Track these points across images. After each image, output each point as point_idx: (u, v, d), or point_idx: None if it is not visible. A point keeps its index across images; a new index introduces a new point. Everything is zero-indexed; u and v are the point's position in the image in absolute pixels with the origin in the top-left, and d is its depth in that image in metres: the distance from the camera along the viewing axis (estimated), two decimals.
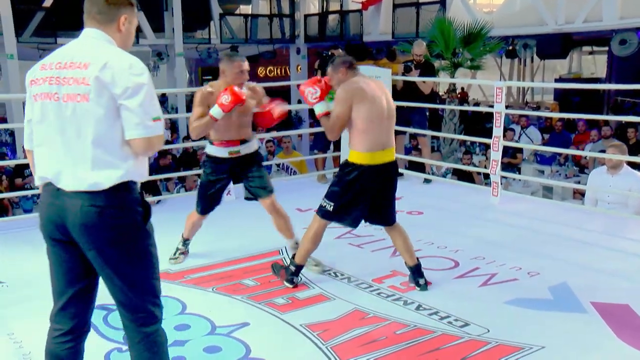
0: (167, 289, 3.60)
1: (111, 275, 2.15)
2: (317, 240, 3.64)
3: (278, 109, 3.92)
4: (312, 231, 3.61)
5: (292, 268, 3.65)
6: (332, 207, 3.53)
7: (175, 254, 4.16)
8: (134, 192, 2.14)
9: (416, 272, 3.63)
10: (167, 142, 11.25)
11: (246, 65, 3.86)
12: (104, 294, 3.53)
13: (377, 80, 3.68)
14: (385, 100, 3.51)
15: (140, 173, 2.17)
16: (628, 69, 15.15)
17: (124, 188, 2.09)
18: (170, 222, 5.04)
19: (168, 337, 2.97)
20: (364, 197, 3.51)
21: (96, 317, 3.20)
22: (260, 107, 3.93)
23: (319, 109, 3.57)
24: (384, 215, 3.64)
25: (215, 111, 3.69)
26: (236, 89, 3.67)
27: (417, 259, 3.65)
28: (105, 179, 2.05)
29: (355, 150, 3.46)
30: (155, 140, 2.09)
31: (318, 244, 3.66)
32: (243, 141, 3.95)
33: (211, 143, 3.98)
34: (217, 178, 3.99)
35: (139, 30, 14.99)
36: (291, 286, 3.62)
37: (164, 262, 4.00)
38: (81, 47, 2.13)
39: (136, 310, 2.19)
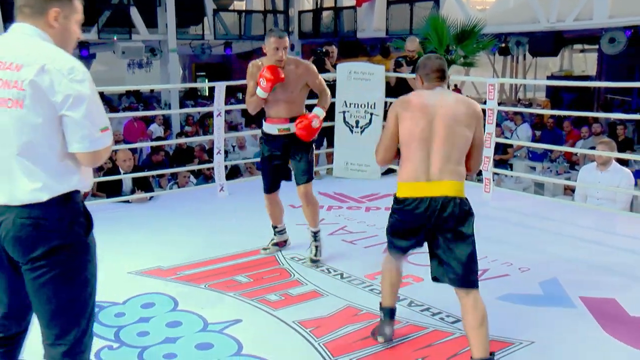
0: (160, 286, 3.63)
1: (39, 293, 1.95)
2: (387, 279, 3.04)
3: (315, 121, 3.82)
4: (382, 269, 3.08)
5: (381, 314, 3.06)
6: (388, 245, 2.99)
7: (268, 243, 4.23)
8: (76, 202, 1.98)
9: None
10: (160, 139, 11.22)
11: (284, 41, 3.73)
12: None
13: (458, 97, 2.95)
14: (446, 120, 2.76)
15: (84, 184, 2.02)
16: (617, 67, 15.27)
17: (65, 198, 1.93)
18: (162, 218, 5.09)
19: (160, 333, 3.02)
20: (410, 236, 2.84)
21: None
22: (297, 121, 3.83)
23: None
24: (446, 271, 2.76)
25: (259, 91, 3.75)
26: (274, 68, 3.67)
27: (491, 353, 2.68)
28: (40, 193, 1.88)
29: (398, 179, 2.88)
30: (103, 153, 1.94)
31: (392, 282, 3.03)
32: (293, 119, 3.86)
33: (264, 119, 3.99)
34: (271, 155, 3.99)
35: (132, 25, 14.97)
36: (382, 340, 2.98)
37: (156, 259, 4.03)
38: (11, 45, 1.90)
39: (60, 336, 1.99)
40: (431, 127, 2.78)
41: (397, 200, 2.85)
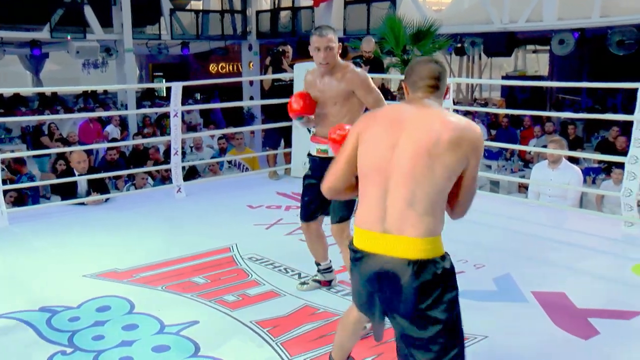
0: (115, 289, 3.58)
1: None
2: (337, 331, 2.57)
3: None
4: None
5: None
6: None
7: (308, 278, 3.61)
8: None
9: None
10: (115, 140, 11.07)
11: (326, 40, 3.08)
12: (46, 296, 3.47)
13: (447, 117, 2.06)
14: (417, 146, 1.97)
15: None
16: (567, 68, 15.78)
17: None
18: (118, 220, 5.01)
19: (116, 337, 2.97)
20: (367, 302, 2.14)
21: (39, 320, 3.16)
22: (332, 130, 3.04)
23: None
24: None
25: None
26: (296, 100, 3.17)
27: None
28: None
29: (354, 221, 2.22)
30: None
31: (341, 337, 2.55)
32: None
33: (310, 136, 3.42)
34: (307, 177, 3.35)
35: (86, 25, 14.68)
36: None
37: (112, 261, 3.98)
38: None
39: None
40: (393, 155, 2.01)
41: (350, 248, 2.15)
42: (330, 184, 2.21)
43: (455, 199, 2.09)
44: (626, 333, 2.99)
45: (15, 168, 8.25)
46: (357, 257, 2.09)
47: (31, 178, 7.94)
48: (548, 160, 5.47)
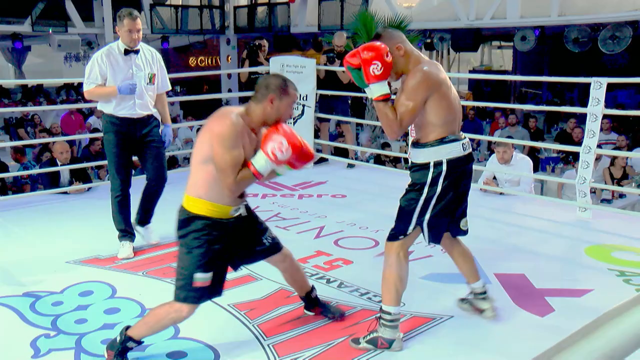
0: (97, 274, 3.68)
1: None
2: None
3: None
4: None
5: None
6: None
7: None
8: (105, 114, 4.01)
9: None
10: (97, 130, 11.08)
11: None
12: (30, 282, 3.54)
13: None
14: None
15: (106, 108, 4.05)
16: (529, 63, 16.23)
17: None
18: (100, 209, 5.02)
19: (98, 320, 3.07)
20: None
21: (22, 304, 3.23)
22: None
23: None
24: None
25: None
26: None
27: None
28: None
29: None
30: (88, 94, 4.08)
31: None
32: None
33: None
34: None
35: (67, 18, 14.63)
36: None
37: (94, 248, 4.09)
38: None
39: None
40: None
41: None
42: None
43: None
44: (578, 309, 3.19)
45: (16, 157, 8.48)
46: None
47: (27, 168, 8.00)
48: (498, 161, 5.67)
